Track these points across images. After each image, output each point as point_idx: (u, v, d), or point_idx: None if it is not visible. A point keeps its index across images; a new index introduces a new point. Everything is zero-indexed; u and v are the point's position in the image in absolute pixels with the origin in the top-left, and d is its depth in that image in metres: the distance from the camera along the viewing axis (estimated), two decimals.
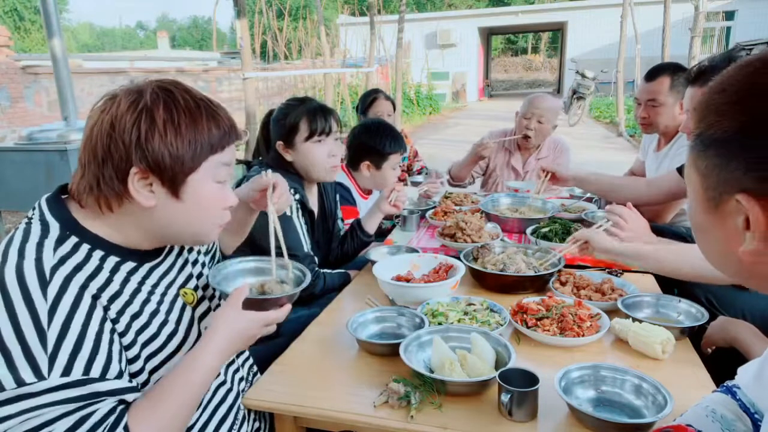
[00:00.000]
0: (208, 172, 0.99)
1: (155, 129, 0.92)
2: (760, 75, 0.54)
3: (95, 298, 0.89)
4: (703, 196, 0.61)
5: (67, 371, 0.81)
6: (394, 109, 3.55)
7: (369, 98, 3.50)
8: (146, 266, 1.03)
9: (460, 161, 3.15)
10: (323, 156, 1.89)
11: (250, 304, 1.08)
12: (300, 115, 1.86)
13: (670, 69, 2.47)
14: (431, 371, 1.19)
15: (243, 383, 1.23)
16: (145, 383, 0.96)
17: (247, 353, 1.31)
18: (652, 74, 2.50)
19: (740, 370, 0.93)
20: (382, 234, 2.42)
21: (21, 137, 4.09)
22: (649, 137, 2.83)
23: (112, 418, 0.86)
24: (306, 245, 1.80)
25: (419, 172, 3.64)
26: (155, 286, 1.03)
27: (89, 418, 0.84)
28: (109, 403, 0.87)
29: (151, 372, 0.97)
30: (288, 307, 1.13)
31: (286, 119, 1.87)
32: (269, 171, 1.28)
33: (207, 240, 1.08)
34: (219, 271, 1.20)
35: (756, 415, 0.86)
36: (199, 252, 1.24)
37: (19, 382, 0.78)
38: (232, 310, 1.05)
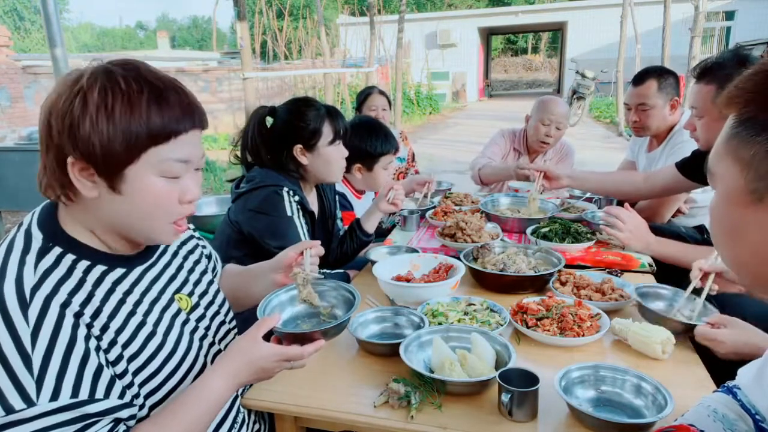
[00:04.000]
0: (150, 166, 0.89)
1: (86, 115, 0.84)
2: None
3: (78, 315, 0.86)
4: (743, 189, 0.57)
5: (55, 395, 0.79)
6: (390, 104, 3.54)
7: (363, 94, 3.50)
8: (136, 271, 1.00)
9: (496, 167, 3.04)
10: (340, 158, 1.92)
11: (286, 338, 1.06)
12: (322, 119, 1.85)
13: (656, 72, 2.51)
14: (431, 371, 1.19)
15: None
16: (137, 396, 0.93)
17: None
18: (639, 78, 2.53)
19: (740, 371, 0.93)
20: (382, 234, 2.42)
21: (21, 137, 4.10)
22: (636, 138, 2.85)
23: None
24: None
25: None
26: (145, 292, 1.00)
27: None
28: (105, 424, 0.85)
29: (142, 384, 0.94)
30: (320, 343, 1.07)
31: (307, 124, 1.83)
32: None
33: (162, 241, 0.99)
34: (268, 302, 1.17)
35: (757, 416, 0.85)
36: (199, 255, 1.22)
37: (8, 410, 0.76)
38: (249, 337, 1.02)
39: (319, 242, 1.25)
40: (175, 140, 0.90)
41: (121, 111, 0.85)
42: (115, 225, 0.94)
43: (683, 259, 1.77)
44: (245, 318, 1.56)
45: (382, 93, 3.49)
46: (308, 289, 1.19)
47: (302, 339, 1.06)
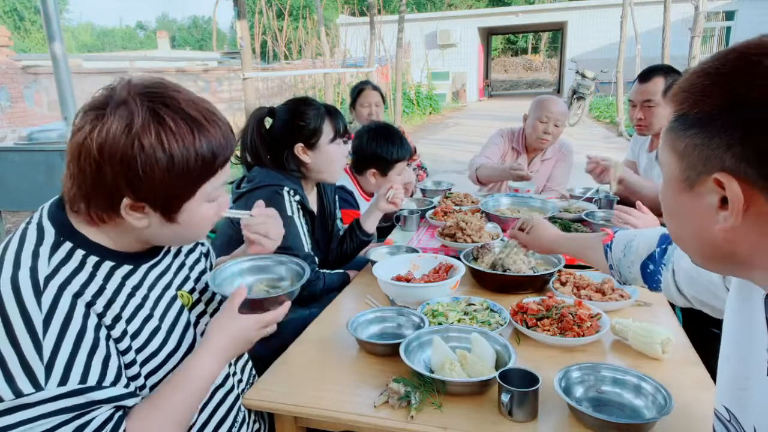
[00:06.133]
0: (202, 196, 0.96)
1: (145, 160, 0.86)
2: (744, 58, 0.56)
3: (89, 305, 0.88)
4: (679, 176, 0.64)
5: (63, 381, 0.81)
6: (384, 99, 3.52)
7: (356, 90, 3.48)
8: (143, 267, 1.02)
9: (492, 168, 3.03)
10: (342, 157, 1.93)
11: (250, 305, 1.08)
12: (322, 118, 1.86)
13: (663, 70, 2.50)
14: (431, 371, 1.19)
15: (242, 384, 1.23)
16: (142, 387, 0.96)
17: (246, 355, 1.30)
18: (646, 75, 2.52)
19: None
20: (382, 234, 2.42)
21: (21, 137, 4.09)
22: (638, 138, 2.84)
23: (110, 426, 0.86)
24: (306, 245, 1.80)
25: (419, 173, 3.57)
26: (151, 288, 1.02)
27: (87, 426, 0.84)
28: (106, 409, 0.87)
29: (147, 376, 0.97)
30: (287, 304, 1.11)
31: (307, 122, 1.84)
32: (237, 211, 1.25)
33: (198, 240, 1.14)
34: (218, 275, 1.19)
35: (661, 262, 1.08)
36: (199, 254, 1.23)
37: (17, 393, 0.78)
38: (226, 314, 1.04)
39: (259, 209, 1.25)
40: (222, 170, 0.98)
41: (177, 153, 0.88)
42: (150, 238, 0.99)
43: None
44: None
45: (375, 88, 3.47)
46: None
47: (268, 306, 1.10)
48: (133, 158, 0.86)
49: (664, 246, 1.09)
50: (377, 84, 3.74)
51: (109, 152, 0.85)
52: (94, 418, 0.85)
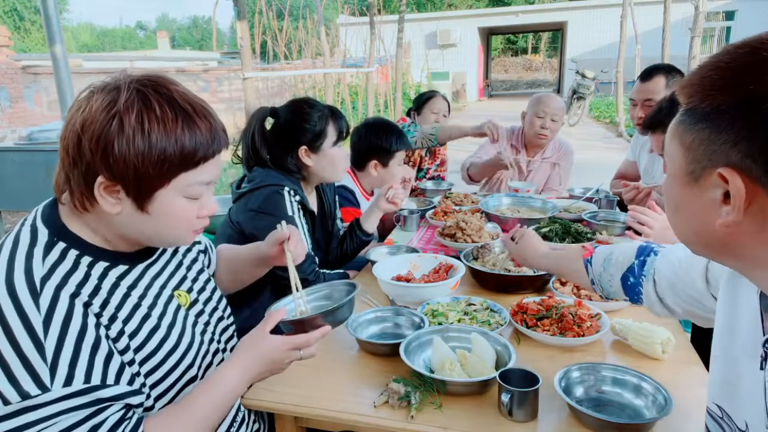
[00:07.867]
0: (178, 189, 0.93)
1: (123, 139, 0.85)
2: (755, 53, 0.56)
3: (87, 305, 0.88)
4: (684, 169, 0.64)
5: (68, 381, 0.81)
6: (450, 111, 3.54)
7: (426, 96, 3.50)
8: (138, 268, 1.02)
9: (480, 164, 3.06)
10: (344, 159, 1.93)
11: (295, 330, 1.08)
12: (326, 120, 1.85)
13: (665, 69, 2.51)
14: (431, 371, 1.19)
15: None
16: (143, 386, 0.96)
17: None
18: (648, 74, 2.52)
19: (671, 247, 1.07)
20: (382, 234, 2.42)
21: (21, 137, 4.09)
22: (639, 137, 2.84)
23: (128, 427, 0.86)
24: (307, 245, 1.80)
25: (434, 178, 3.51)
26: (148, 287, 1.02)
27: (101, 426, 0.84)
28: (117, 408, 0.87)
29: (147, 375, 0.97)
30: (326, 328, 1.08)
31: (312, 125, 1.83)
32: (284, 223, 1.28)
33: (183, 243, 1.05)
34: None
35: (642, 272, 1.07)
36: (196, 253, 1.23)
37: (24, 395, 0.78)
38: (255, 333, 1.05)
39: (291, 227, 1.29)
40: (203, 165, 0.94)
41: (157, 137, 0.88)
42: (129, 234, 0.96)
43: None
44: (245, 317, 1.56)
45: (445, 98, 3.51)
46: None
47: (307, 328, 1.08)
48: (110, 135, 0.86)
49: (642, 258, 1.08)
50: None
51: (90, 127, 0.86)
52: (106, 418, 0.85)
